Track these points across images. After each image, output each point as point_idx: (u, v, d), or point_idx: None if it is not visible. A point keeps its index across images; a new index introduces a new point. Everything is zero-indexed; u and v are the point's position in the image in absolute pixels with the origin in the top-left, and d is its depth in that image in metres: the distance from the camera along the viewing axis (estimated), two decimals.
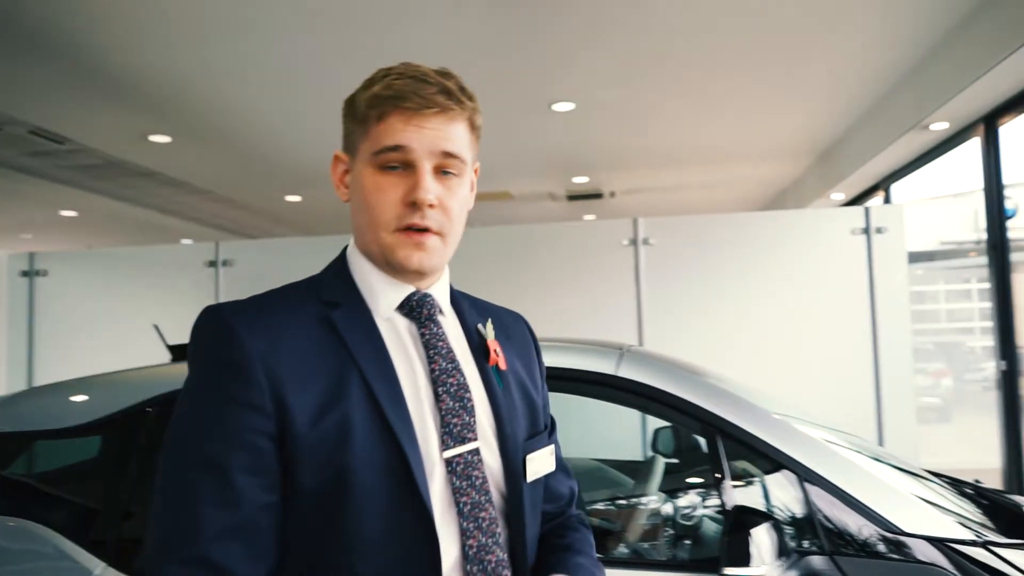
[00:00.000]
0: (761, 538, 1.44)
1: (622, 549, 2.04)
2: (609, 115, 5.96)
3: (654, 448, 2.78)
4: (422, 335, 1.00)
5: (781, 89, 5.50)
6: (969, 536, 1.58)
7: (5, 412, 2.02)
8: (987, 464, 5.43)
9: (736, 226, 4.04)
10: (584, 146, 6.96)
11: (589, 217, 10.16)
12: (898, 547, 1.55)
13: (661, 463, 2.30)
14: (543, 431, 1.09)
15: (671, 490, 2.25)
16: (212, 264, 4.39)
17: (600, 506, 2.44)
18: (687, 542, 2.01)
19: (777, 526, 1.48)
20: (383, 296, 1.00)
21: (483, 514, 0.94)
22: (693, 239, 3.98)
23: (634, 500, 2.30)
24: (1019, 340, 5.19)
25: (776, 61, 4.91)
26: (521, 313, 1.22)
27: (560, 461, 1.15)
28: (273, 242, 4.82)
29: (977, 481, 2.27)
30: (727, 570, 1.43)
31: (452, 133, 0.97)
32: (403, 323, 1.01)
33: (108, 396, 1.86)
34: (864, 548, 1.56)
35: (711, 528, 1.92)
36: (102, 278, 4.40)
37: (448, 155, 0.97)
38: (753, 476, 1.84)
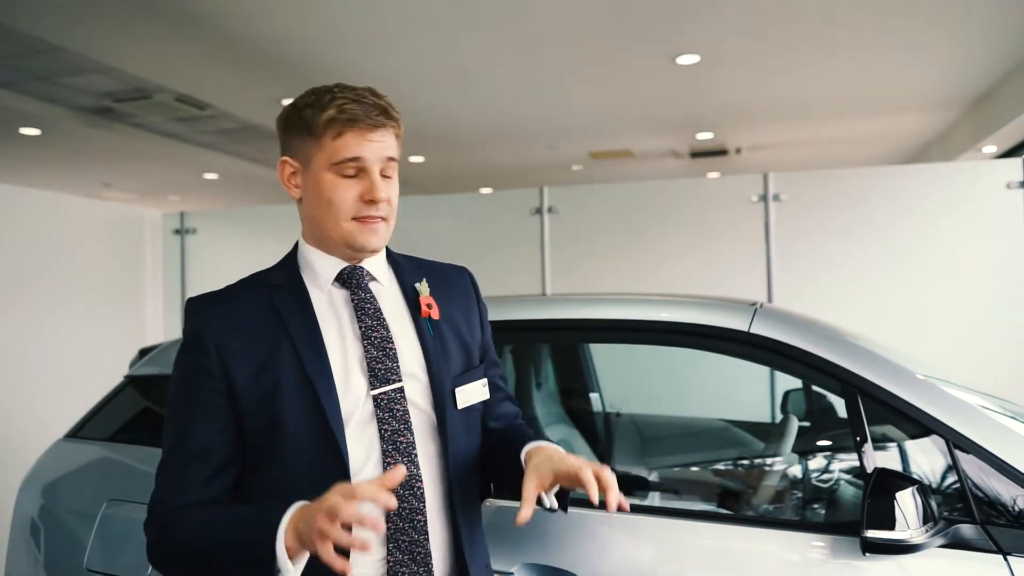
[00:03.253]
0: (906, 502, 1.38)
1: (756, 510, 2.01)
2: (735, 68, 5.72)
3: (783, 410, 2.70)
4: (353, 300, 1.26)
5: (924, 33, 5.10)
6: None
7: (165, 357, 2.21)
8: None
9: (876, 180, 3.81)
10: (709, 101, 6.72)
11: (713, 175, 9.86)
12: None
13: (795, 424, 2.23)
14: (477, 366, 1.34)
15: (804, 452, 2.19)
16: None
17: (728, 466, 2.40)
18: (822, 504, 1.95)
19: (923, 491, 1.41)
20: (322, 273, 1.26)
21: (401, 439, 1.20)
22: (828, 195, 3.79)
23: (768, 461, 2.25)
24: None
25: (920, 1, 4.56)
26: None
27: (507, 392, 1.43)
28: (401, 200, 4.94)
29: None
30: (869, 532, 1.38)
31: (390, 143, 1.24)
32: (339, 293, 1.27)
33: None
34: (1021, 519, 1.47)
35: (848, 491, 1.85)
36: (244, 235, 4.66)
37: (390, 159, 1.24)
38: (894, 440, 1.75)
